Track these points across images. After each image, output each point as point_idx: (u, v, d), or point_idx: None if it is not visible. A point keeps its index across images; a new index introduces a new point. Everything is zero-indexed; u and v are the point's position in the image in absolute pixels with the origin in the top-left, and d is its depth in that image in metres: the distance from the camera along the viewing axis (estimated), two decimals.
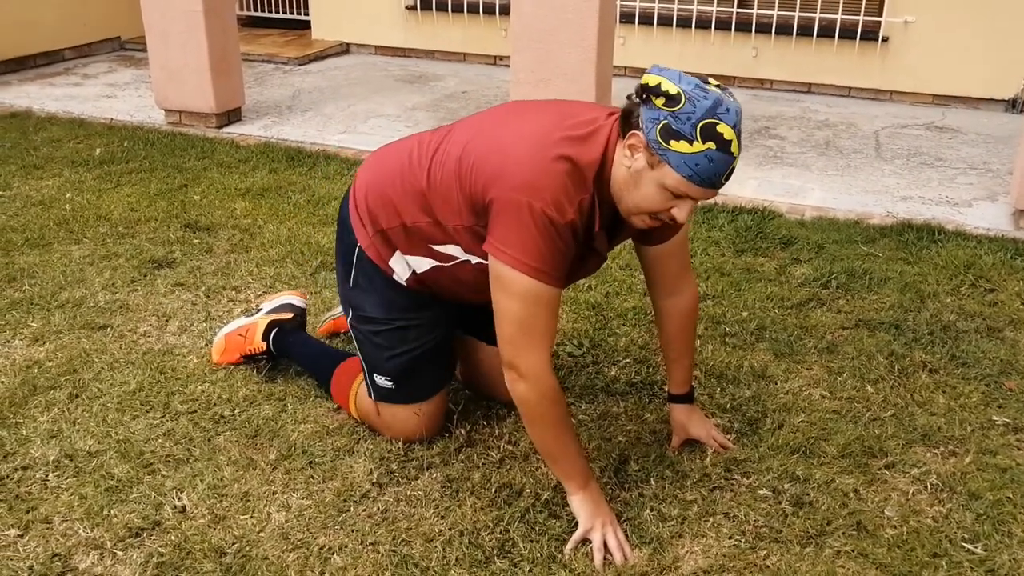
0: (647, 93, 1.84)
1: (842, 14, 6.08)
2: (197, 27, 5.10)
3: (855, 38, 6.06)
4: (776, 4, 6.21)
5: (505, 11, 6.85)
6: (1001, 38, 5.71)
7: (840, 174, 4.67)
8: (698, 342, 2.98)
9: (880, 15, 6.00)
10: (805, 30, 6.17)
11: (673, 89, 1.81)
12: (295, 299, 2.90)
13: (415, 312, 2.31)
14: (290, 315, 2.83)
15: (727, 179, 1.88)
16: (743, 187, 4.44)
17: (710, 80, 1.88)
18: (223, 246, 3.74)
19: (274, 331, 2.76)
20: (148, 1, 5.18)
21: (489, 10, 6.94)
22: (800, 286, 3.40)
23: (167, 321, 3.12)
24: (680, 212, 1.90)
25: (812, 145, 5.14)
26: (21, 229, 3.88)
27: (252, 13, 8.13)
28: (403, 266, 2.24)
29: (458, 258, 2.14)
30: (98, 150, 4.94)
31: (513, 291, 1.94)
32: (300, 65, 7.04)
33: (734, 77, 6.42)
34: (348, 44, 7.53)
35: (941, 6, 5.81)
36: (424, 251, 2.18)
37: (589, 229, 2.00)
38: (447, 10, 7.04)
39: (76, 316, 3.13)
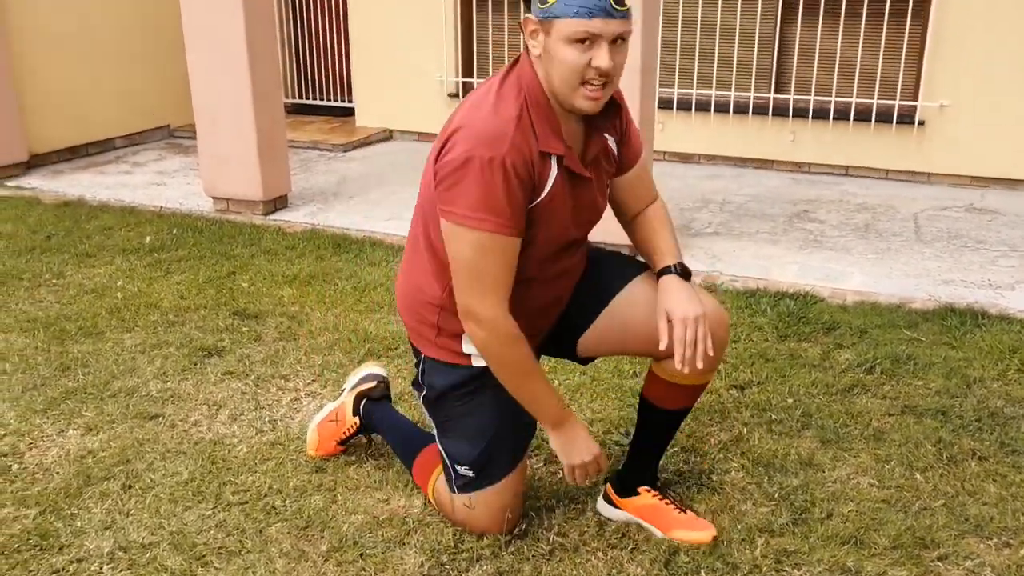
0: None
1: (878, 99, 6.15)
2: (246, 116, 5.27)
3: (891, 122, 6.12)
4: (812, 89, 6.30)
5: None
6: None
7: (880, 257, 4.68)
8: (744, 429, 2.98)
9: (916, 99, 6.07)
10: (842, 114, 6.25)
11: None
12: (375, 368, 2.93)
13: (492, 394, 2.28)
14: (374, 384, 2.84)
15: (617, 6, 1.91)
16: (784, 271, 4.46)
17: None
18: (271, 334, 3.81)
19: (363, 402, 2.80)
20: (198, 91, 5.37)
21: None
22: (844, 372, 3.40)
23: (217, 410, 3.17)
24: (599, 58, 1.92)
25: (852, 228, 5.16)
26: (75, 318, 3.98)
27: (297, 100, 8.36)
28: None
29: None
30: (148, 238, 5.07)
31: (464, 244, 1.99)
32: (345, 152, 7.21)
33: (772, 160, 6.49)
34: (391, 131, 7.72)
35: (976, 90, 5.87)
36: None
37: (546, 156, 2.03)
38: None
39: (128, 405, 3.19)
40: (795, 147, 6.43)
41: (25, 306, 4.12)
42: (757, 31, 6.39)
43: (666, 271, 2.21)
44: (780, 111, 6.40)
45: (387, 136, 7.72)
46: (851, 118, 6.22)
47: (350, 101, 8.05)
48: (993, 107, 5.84)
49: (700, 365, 2.14)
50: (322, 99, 8.33)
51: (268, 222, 5.38)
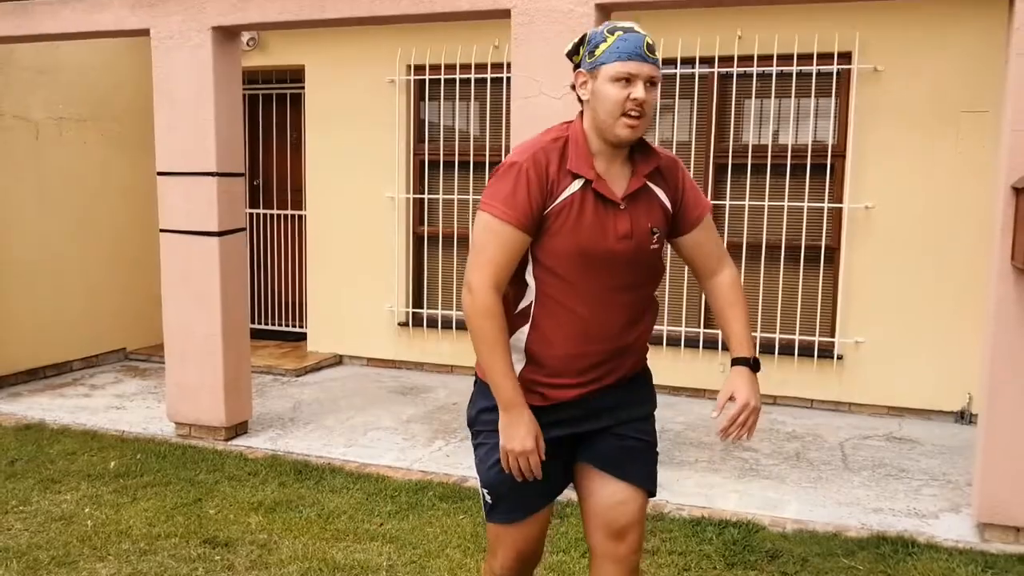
0: (571, 56, 2.49)
1: (800, 335, 6.71)
2: (215, 349, 5.54)
3: (813, 356, 6.65)
4: None
5: None
6: (943, 356, 6.31)
7: (813, 486, 5.03)
8: None
9: (833, 336, 6.64)
10: (767, 348, 6.76)
11: (579, 37, 2.49)
12: None
13: None
14: None
15: (649, 52, 2.39)
16: (726, 500, 4.76)
17: None
18: (243, 562, 3.94)
19: None
20: (170, 325, 5.65)
21: None
22: None
23: None
24: (636, 91, 2.37)
25: (784, 457, 5.53)
26: (46, 547, 4.05)
27: (251, 325, 8.63)
28: (513, 359, 2.49)
29: (530, 299, 2.49)
30: (113, 463, 5.18)
31: (478, 225, 2.43)
32: (297, 376, 7.47)
33: (704, 389, 6.92)
34: (341, 356, 8.03)
35: (887, 329, 6.46)
36: (519, 319, 2.52)
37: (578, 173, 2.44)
38: (436, 326, 7.61)
39: None
40: (725, 377, 6.86)
41: None
42: (686, 271, 6.96)
43: (742, 361, 2.59)
44: (710, 344, 6.90)
45: (337, 361, 8.01)
46: (776, 352, 6.74)
47: (301, 326, 8.38)
48: (903, 343, 6.43)
49: (733, 440, 2.54)
50: (275, 324, 8.65)
51: (230, 447, 5.54)
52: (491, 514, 2.66)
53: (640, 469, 2.64)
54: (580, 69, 2.47)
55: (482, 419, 2.61)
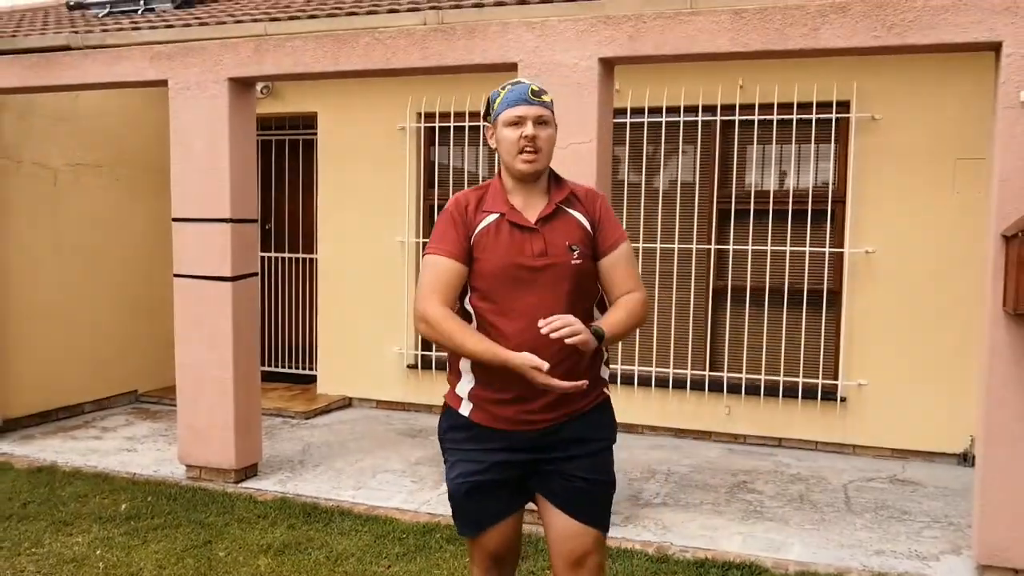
0: (485, 118, 2.84)
1: (803, 377, 6.78)
2: (226, 393, 5.64)
3: (816, 398, 6.72)
4: (744, 367, 6.91)
5: None
6: (946, 398, 6.37)
7: (816, 528, 5.07)
8: None
9: (836, 378, 6.71)
10: (771, 390, 6.83)
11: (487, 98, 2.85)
12: None
13: (472, 444, 2.80)
14: None
15: (534, 96, 2.74)
16: (730, 542, 4.82)
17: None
18: None
19: None
20: (183, 370, 5.75)
21: None
22: None
23: None
24: (526, 130, 2.71)
25: (788, 499, 5.58)
26: None
27: (261, 368, 8.72)
28: (465, 380, 2.79)
29: (471, 312, 2.77)
30: (124, 505, 5.26)
31: (423, 260, 2.80)
32: (307, 419, 7.55)
33: (710, 432, 6.98)
34: (350, 398, 8.11)
35: (890, 371, 6.53)
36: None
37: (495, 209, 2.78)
38: (445, 369, 7.67)
39: None
40: (731, 420, 6.95)
41: None
42: (691, 315, 7.08)
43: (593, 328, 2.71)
44: (715, 387, 6.97)
45: (346, 403, 8.10)
46: (779, 394, 6.81)
47: (311, 369, 8.48)
48: (906, 386, 6.49)
49: (544, 330, 2.57)
50: (285, 367, 8.75)
51: (240, 490, 5.61)
52: (455, 523, 2.93)
53: (588, 510, 2.84)
54: (487, 123, 2.83)
55: (447, 436, 2.89)
